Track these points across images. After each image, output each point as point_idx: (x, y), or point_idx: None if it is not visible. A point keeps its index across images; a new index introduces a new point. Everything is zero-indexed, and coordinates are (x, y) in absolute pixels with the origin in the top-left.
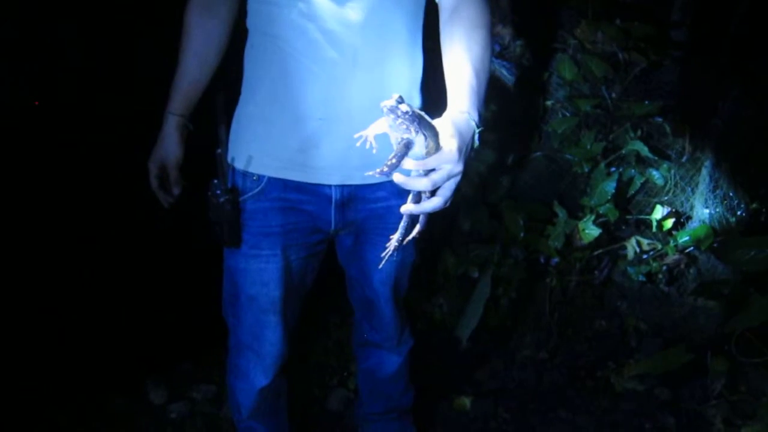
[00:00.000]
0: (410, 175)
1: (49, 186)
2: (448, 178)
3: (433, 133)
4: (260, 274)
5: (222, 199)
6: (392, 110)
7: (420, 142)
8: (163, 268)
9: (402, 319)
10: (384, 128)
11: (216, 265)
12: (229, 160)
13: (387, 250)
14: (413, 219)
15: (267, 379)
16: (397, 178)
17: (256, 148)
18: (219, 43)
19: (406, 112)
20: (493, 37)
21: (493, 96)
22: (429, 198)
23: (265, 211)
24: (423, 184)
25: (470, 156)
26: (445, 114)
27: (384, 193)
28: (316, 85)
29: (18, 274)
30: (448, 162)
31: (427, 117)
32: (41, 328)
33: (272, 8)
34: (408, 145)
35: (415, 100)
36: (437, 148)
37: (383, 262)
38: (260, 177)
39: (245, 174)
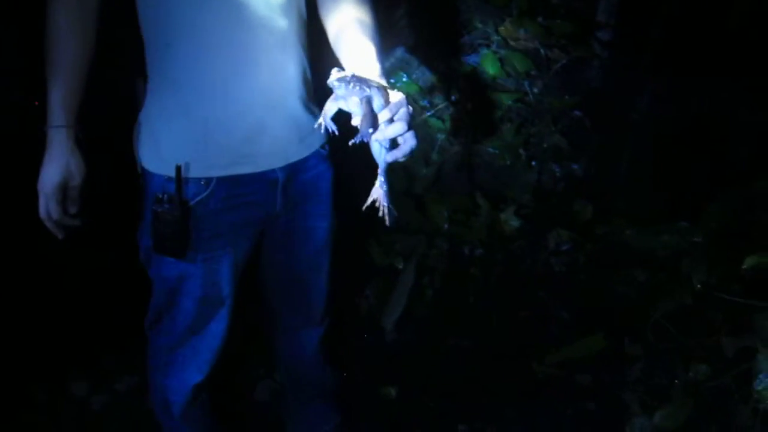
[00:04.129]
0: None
1: None
2: (409, 116)
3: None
4: (212, 275)
5: (167, 208)
6: (341, 80)
7: (376, 94)
8: (83, 260)
9: (329, 290)
10: (335, 107)
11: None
12: (163, 170)
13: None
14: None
15: (201, 374)
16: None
17: (199, 150)
18: (92, 39)
19: (353, 75)
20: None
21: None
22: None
23: (216, 213)
24: (398, 127)
25: None
26: None
27: (313, 161)
28: (259, 73)
29: None
30: (403, 104)
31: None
32: None
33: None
34: (370, 101)
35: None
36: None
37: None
38: (209, 179)
39: (189, 180)
